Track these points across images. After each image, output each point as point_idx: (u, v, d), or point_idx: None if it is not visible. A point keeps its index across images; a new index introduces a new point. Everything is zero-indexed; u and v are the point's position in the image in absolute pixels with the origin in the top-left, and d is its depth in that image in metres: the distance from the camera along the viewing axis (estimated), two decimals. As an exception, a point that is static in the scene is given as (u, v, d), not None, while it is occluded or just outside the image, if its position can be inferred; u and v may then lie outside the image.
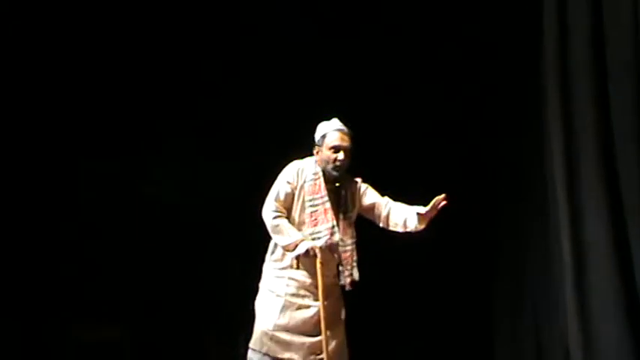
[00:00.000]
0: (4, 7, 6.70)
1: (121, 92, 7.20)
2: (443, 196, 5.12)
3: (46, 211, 7.02)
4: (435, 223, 7.17)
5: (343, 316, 5.36)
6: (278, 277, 5.28)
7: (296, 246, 5.16)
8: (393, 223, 5.31)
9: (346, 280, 5.25)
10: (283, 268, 5.28)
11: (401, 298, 7.44)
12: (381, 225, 5.38)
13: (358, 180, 5.45)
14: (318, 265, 5.14)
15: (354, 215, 5.37)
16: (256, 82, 7.21)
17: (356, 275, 5.25)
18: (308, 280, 5.23)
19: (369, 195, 5.40)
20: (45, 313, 6.91)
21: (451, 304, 7.37)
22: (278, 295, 5.23)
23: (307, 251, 5.13)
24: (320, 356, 5.15)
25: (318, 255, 5.14)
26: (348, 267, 5.24)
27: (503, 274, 6.97)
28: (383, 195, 5.44)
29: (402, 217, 5.26)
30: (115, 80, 7.18)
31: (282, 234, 5.19)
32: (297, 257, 5.19)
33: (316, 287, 5.18)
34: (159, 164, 7.35)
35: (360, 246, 5.33)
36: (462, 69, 7.10)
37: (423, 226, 5.22)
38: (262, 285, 5.36)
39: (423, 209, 5.15)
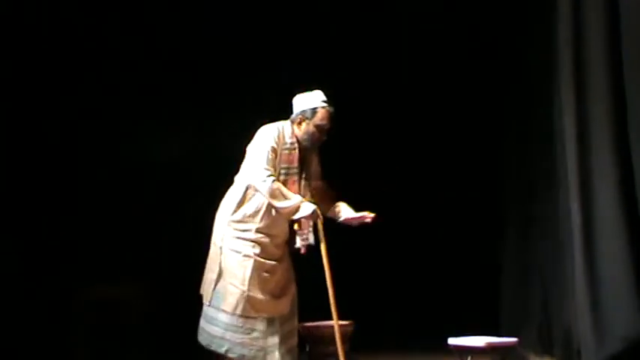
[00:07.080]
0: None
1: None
2: (372, 216, 5.29)
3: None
4: (444, 193, 7.33)
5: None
6: (243, 238, 5.27)
7: (297, 208, 5.18)
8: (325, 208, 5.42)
9: (303, 244, 5.29)
10: (246, 230, 5.27)
11: (407, 261, 7.50)
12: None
13: (317, 156, 5.50)
14: (320, 227, 5.19)
15: (312, 184, 5.43)
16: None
17: (311, 239, 5.28)
18: (271, 242, 5.28)
19: (318, 173, 5.51)
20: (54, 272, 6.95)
21: (458, 268, 7.42)
22: (246, 256, 5.23)
23: (312, 213, 5.16)
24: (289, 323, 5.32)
25: (320, 216, 5.21)
26: (305, 231, 5.27)
27: (510, 240, 7.01)
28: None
29: (332, 207, 5.40)
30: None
31: (281, 198, 5.16)
32: (298, 220, 5.21)
33: (277, 248, 5.29)
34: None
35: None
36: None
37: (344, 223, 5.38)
38: (224, 245, 5.30)
39: (348, 214, 5.32)
